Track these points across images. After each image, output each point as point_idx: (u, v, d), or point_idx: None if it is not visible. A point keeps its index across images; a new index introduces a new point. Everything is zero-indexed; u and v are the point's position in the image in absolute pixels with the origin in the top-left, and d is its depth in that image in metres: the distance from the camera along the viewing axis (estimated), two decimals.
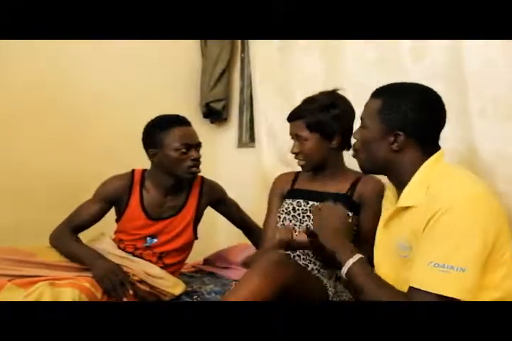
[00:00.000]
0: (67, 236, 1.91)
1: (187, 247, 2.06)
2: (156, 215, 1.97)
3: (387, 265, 1.34)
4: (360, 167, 1.42)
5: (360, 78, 2.21)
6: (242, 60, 3.20)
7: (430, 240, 1.18)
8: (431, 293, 1.13)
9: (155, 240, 1.96)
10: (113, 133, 2.71)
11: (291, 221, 1.75)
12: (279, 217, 1.79)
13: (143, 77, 2.85)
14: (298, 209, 1.74)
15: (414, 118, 1.27)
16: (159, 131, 1.90)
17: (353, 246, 1.38)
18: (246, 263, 2.28)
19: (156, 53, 2.86)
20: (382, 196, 1.60)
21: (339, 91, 1.78)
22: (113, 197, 1.97)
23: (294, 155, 1.77)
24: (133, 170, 2.02)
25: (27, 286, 1.65)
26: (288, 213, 1.76)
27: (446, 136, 1.96)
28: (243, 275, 1.46)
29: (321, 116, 1.69)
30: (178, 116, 1.98)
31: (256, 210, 2.22)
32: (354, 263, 1.30)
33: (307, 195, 1.76)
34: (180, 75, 3.08)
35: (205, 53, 3.11)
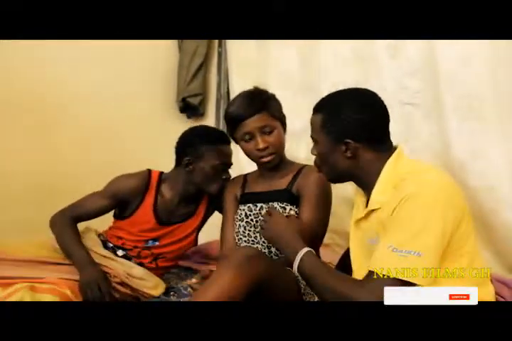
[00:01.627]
0: (66, 225, 1.86)
1: (184, 253, 2.05)
2: (166, 220, 1.93)
3: (364, 263, 1.36)
4: (328, 180, 1.47)
5: (337, 74, 2.23)
6: (220, 54, 3.18)
7: (392, 226, 1.22)
8: (389, 278, 1.16)
9: (156, 243, 1.93)
10: (89, 129, 2.68)
11: (245, 227, 1.75)
12: (235, 224, 1.79)
13: (119, 72, 2.82)
14: (250, 215, 1.74)
15: (355, 123, 1.29)
16: (205, 143, 1.86)
17: (297, 243, 1.40)
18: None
19: (133, 48, 2.83)
20: (323, 187, 1.65)
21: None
22: (124, 196, 1.90)
23: (260, 153, 1.69)
24: (149, 171, 1.96)
25: (4, 286, 1.62)
26: (242, 220, 1.76)
27: (420, 132, 2.01)
28: (216, 269, 1.46)
29: (275, 104, 1.70)
30: (223, 133, 1.98)
31: None
32: (301, 260, 1.34)
33: (255, 198, 1.76)
34: (156, 70, 3.06)
35: (181, 48, 3.09)
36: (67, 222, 1.87)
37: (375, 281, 1.18)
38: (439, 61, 1.90)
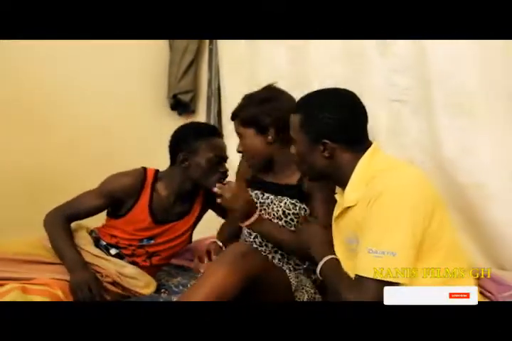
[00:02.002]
0: (60, 225, 1.85)
1: (178, 251, 2.05)
2: (161, 219, 1.92)
3: (344, 262, 1.38)
4: (308, 179, 1.50)
5: (327, 71, 2.23)
6: (210, 51, 3.17)
7: (366, 227, 1.24)
8: (370, 279, 1.19)
9: (151, 241, 1.92)
10: (80, 127, 2.67)
11: None
12: None
13: (110, 69, 2.81)
14: (256, 203, 1.73)
15: (333, 124, 1.32)
16: (198, 138, 1.87)
17: (324, 251, 1.44)
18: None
19: (123, 45, 2.81)
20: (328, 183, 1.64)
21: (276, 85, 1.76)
22: (119, 195, 1.88)
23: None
24: (145, 169, 1.94)
25: None
26: None
27: (410, 129, 2.02)
28: (209, 265, 1.46)
29: (254, 111, 1.67)
30: (216, 127, 2.01)
31: None
32: (324, 263, 1.39)
33: (264, 187, 1.76)
34: (147, 67, 3.04)
35: (172, 44, 3.08)
36: (61, 222, 1.86)
37: (360, 284, 1.22)
38: (428, 58, 1.90)
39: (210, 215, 2.20)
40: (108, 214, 1.96)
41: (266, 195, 1.73)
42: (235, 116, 1.73)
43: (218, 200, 1.61)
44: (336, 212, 1.42)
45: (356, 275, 1.24)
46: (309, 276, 1.69)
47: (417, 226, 1.20)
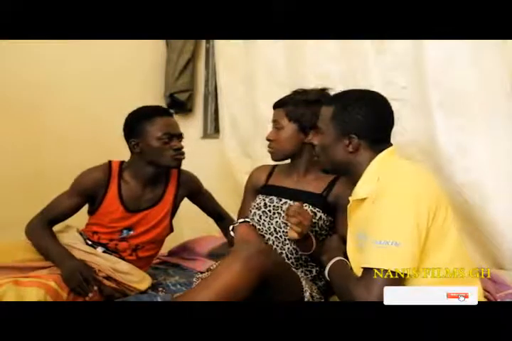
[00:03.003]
0: (41, 230, 1.88)
1: (161, 240, 2.05)
2: (134, 207, 1.94)
3: (355, 257, 1.40)
4: (323, 169, 1.52)
5: (323, 70, 2.23)
6: (207, 50, 3.18)
7: (372, 222, 1.27)
8: (373, 269, 1.20)
9: (131, 232, 1.93)
10: (76, 126, 2.66)
11: (260, 216, 1.74)
12: (250, 211, 1.79)
13: (107, 68, 2.80)
14: (269, 206, 1.73)
15: (364, 122, 1.37)
16: (141, 120, 1.89)
17: (335, 253, 1.47)
18: (213, 254, 2.29)
19: (120, 44, 2.81)
20: None
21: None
22: (90, 190, 1.93)
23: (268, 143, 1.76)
24: (110, 162, 1.98)
25: None
26: (259, 208, 1.75)
27: (407, 128, 2.01)
28: (223, 259, 1.43)
29: (304, 109, 1.69)
30: (159, 106, 1.99)
31: (219, 199, 2.24)
32: (333, 264, 1.42)
33: (281, 193, 1.75)
34: (144, 66, 3.05)
35: (169, 44, 3.08)
36: (41, 227, 1.90)
37: (367, 277, 1.22)
38: (425, 57, 1.90)
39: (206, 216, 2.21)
40: (88, 213, 2.00)
41: (283, 200, 1.72)
42: (278, 105, 1.73)
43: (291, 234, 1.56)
44: (348, 206, 1.44)
45: (362, 268, 1.25)
46: (316, 283, 1.68)
47: (421, 218, 1.23)
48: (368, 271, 1.22)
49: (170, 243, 2.45)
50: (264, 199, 1.76)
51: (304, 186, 1.73)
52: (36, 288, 1.60)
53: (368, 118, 1.37)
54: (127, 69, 2.91)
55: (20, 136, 2.51)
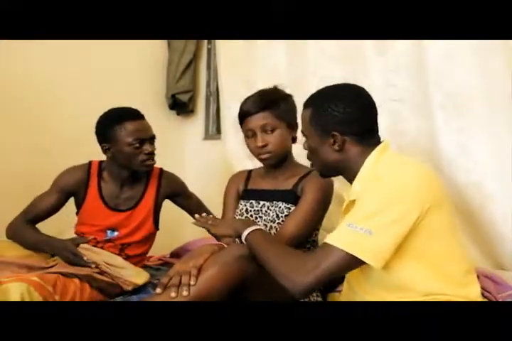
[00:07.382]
0: (24, 227, 1.90)
1: (148, 239, 2.05)
2: (114, 205, 1.96)
3: None
4: (320, 174, 1.50)
5: (324, 71, 2.24)
6: (209, 51, 3.19)
7: (356, 206, 1.26)
8: (335, 247, 1.20)
9: (115, 233, 1.94)
10: (77, 127, 2.65)
11: None
12: (235, 218, 1.79)
13: (109, 69, 2.80)
14: (250, 211, 1.75)
15: (342, 116, 1.33)
16: (111, 125, 1.88)
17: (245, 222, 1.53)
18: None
19: (122, 44, 2.82)
20: (325, 191, 1.66)
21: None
22: (70, 188, 1.96)
23: (259, 150, 1.71)
24: (90, 162, 2.01)
25: None
26: (241, 215, 1.77)
27: (408, 129, 2.02)
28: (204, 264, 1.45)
29: (284, 106, 1.70)
30: (130, 109, 1.94)
31: (220, 201, 2.22)
32: (248, 234, 1.42)
33: (259, 195, 1.77)
34: (146, 66, 3.05)
35: (171, 44, 3.09)
36: (24, 225, 1.92)
37: (323, 250, 1.22)
38: (426, 58, 1.90)
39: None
40: (76, 214, 2.02)
41: (261, 202, 1.75)
42: (265, 108, 1.69)
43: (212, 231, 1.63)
44: (343, 206, 1.43)
45: (323, 242, 1.24)
46: None
47: (407, 216, 1.20)
48: (328, 246, 1.21)
49: (172, 244, 2.46)
50: (245, 205, 1.77)
51: (279, 185, 1.75)
52: (18, 283, 1.54)
53: (346, 113, 1.33)
54: (129, 71, 2.92)
55: (21, 136, 2.51)
